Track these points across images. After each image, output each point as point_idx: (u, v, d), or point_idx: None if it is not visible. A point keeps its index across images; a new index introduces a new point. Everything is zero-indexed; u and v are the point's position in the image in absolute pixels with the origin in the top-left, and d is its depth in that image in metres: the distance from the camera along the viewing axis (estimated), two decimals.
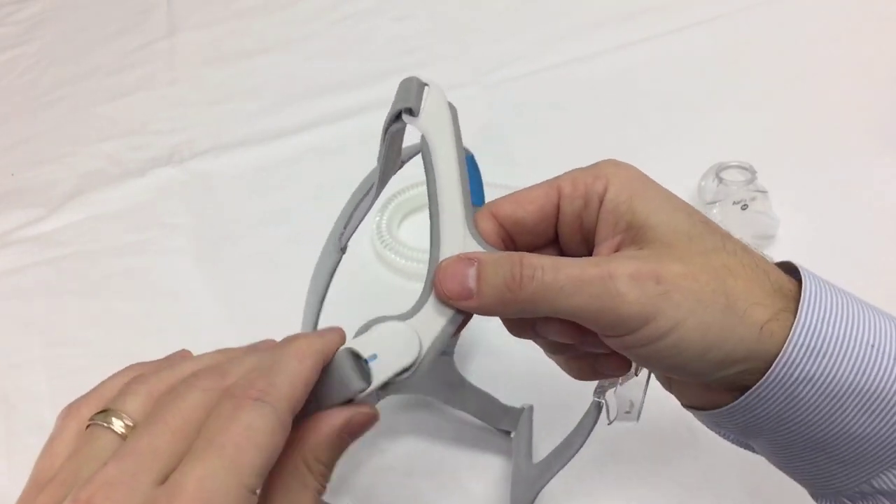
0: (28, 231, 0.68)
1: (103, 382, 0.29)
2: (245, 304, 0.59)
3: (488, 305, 0.28)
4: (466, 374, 0.51)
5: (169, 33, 0.89)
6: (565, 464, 0.39)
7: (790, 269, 0.29)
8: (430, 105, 0.31)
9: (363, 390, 0.26)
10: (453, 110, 0.32)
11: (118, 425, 0.25)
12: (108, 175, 0.72)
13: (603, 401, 0.36)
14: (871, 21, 0.76)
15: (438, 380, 0.49)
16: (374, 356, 0.27)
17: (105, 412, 0.26)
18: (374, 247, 0.60)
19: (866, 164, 0.62)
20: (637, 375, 0.34)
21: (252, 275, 0.61)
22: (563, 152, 0.68)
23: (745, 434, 0.30)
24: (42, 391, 0.55)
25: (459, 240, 0.30)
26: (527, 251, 0.29)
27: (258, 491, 0.23)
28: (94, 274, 0.63)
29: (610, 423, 0.35)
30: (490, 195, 0.37)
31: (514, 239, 0.31)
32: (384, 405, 0.52)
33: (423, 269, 0.61)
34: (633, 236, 0.28)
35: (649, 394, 0.35)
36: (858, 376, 0.26)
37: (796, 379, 0.26)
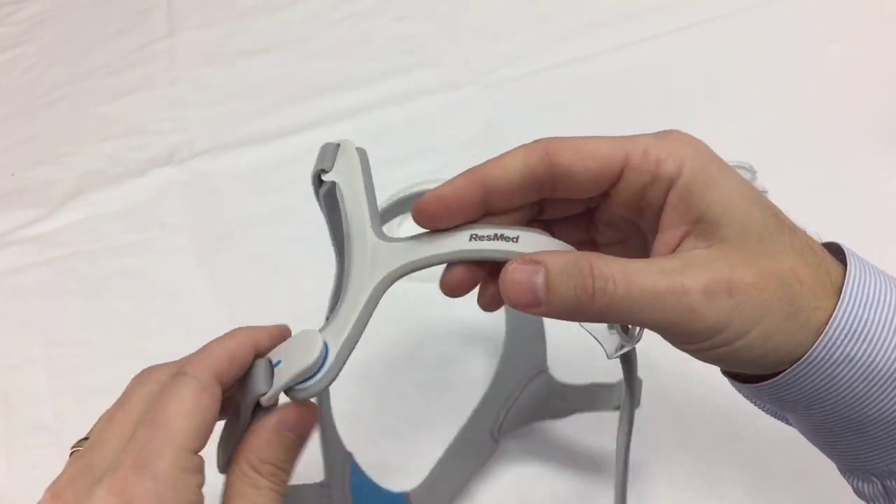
0: (28, 231, 0.68)
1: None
2: (245, 303, 0.59)
3: (557, 314, 0.27)
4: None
5: (169, 33, 0.89)
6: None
7: (836, 250, 0.29)
8: (342, 159, 0.33)
9: (264, 393, 0.28)
10: (363, 155, 0.33)
11: None
12: (108, 175, 0.72)
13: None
14: (871, 21, 0.76)
15: (540, 400, 0.49)
16: (279, 361, 0.28)
17: (85, 438, 0.28)
18: None
19: (866, 164, 0.62)
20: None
21: (252, 275, 0.61)
22: None
23: (781, 408, 0.30)
24: (42, 391, 0.55)
25: (368, 256, 0.30)
26: (560, 206, 0.30)
27: (200, 450, 0.26)
28: (94, 274, 0.63)
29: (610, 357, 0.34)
30: None
31: (552, 185, 0.29)
32: (385, 405, 0.52)
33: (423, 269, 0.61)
34: (703, 230, 0.27)
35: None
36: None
37: (836, 360, 0.26)
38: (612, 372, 0.40)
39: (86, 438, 0.28)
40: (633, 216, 0.29)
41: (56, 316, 0.60)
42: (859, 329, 0.26)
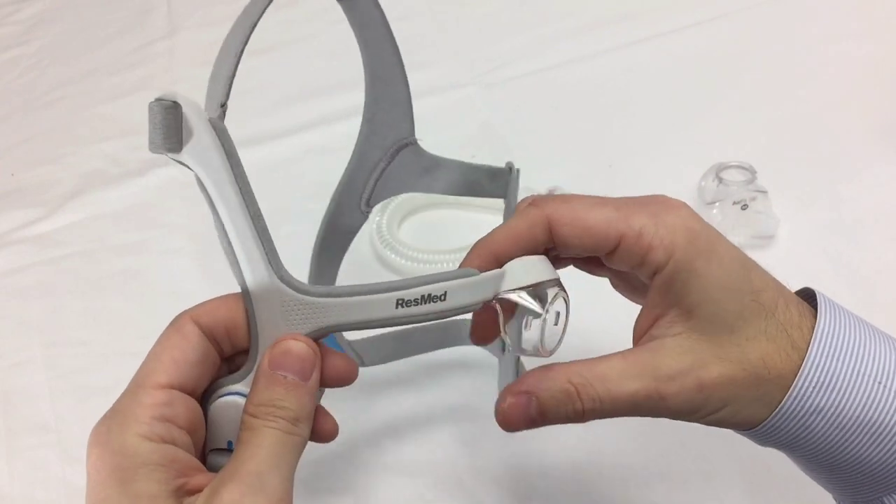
0: (28, 231, 0.67)
1: None
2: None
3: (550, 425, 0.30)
4: None
5: (169, 33, 0.89)
6: None
7: (808, 295, 0.31)
8: (195, 142, 0.29)
9: None
10: (223, 136, 0.30)
11: None
12: (108, 175, 0.72)
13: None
14: (871, 21, 0.76)
15: (412, 173, 0.48)
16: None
17: None
18: (373, 247, 0.60)
19: (867, 164, 0.62)
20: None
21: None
22: (563, 152, 0.68)
23: (764, 446, 0.32)
24: (42, 391, 0.55)
25: (266, 281, 0.29)
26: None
27: (175, 381, 0.28)
28: (94, 274, 0.63)
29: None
30: None
31: (555, 241, 0.31)
32: (385, 404, 0.52)
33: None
34: (679, 315, 0.29)
35: None
36: (865, 410, 0.28)
37: (807, 410, 0.28)
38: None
39: None
40: (626, 281, 0.33)
41: (56, 316, 0.60)
42: (826, 381, 0.28)
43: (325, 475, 0.48)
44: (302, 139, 0.73)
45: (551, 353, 0.32)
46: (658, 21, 0.79)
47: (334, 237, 0.48)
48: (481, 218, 0.62)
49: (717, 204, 0.57)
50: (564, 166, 0.67)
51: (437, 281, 0.29)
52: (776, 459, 0.46)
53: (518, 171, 0.46)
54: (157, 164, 0.72)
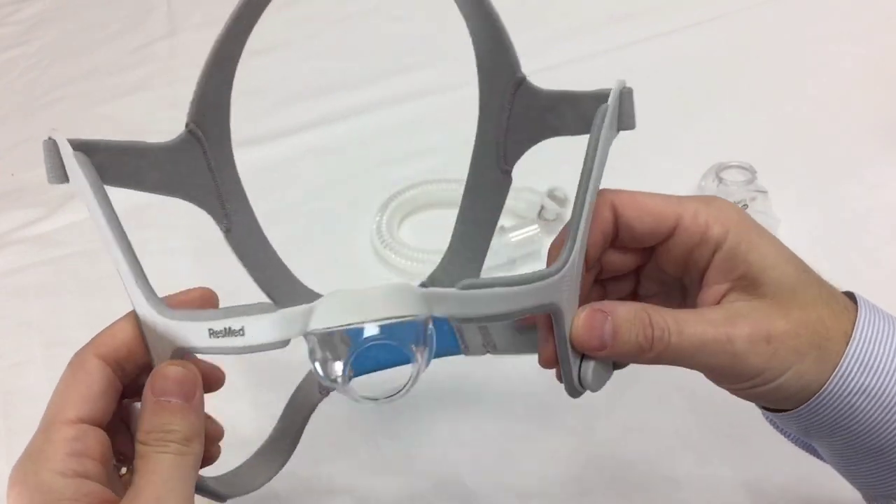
0: (28, 231, 0.67)
1: None
2: (244, 303, 0.59)
3: (618, 357, 0.31)
4: None
5: (169, 33, 0.89)
6: None
7: (851, 297, 0.33)
8: (75, 174, 0.31)
9: None
10: (88, 171, 0.32)
11: None
12: None
13: None
14: (871, 21, 0.76)
15: (535, 117, 0.46)
16: None
17: None
18: (374, 247, 0.60)
19: (867, 164, 0.62)
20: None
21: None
22: (562, 152, 0.68)
23: (807, 436, 0.33)
24: (42, 391, 0.55)
25: (143, 304, 0.30)
26: (615, 264, 0.35)
27: (85, 415, 0.30)
28: (94, 274, 0.63)
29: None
30: None
31: (616, 236, 0.33)
32: (385, 405, 0.52)
33: (423, 269, 0.61)
34: (745, 286, 0.31)
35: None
36: None
37: (851, 390, 0.30)
38: None
39: None
40: (678, 272, 0.34)
41: (56, 316, 0.60)
42: (869, 362, 0.30)
43: (324, 475, 0.48)
44: (302, 139, 0.73)
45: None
46: (658, 21, 0.79)
47: (477, 207, 0.47)
48: None
49: None
50: (564, 166, 0.66)
51: (239, 315, 0.28)
52: (776, 459, 0.46)
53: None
54: None
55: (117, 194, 0.76)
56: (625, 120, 0.36)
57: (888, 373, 0.29)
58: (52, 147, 0.30)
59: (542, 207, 0.60)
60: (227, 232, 0.41)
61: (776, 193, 0.58)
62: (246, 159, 0.73)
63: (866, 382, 0.29)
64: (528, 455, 0.49)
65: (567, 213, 0.61)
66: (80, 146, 0.32)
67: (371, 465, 0.49)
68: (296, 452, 0.43)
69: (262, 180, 0.72)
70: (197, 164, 0.39)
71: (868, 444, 0.31)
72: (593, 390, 0.32)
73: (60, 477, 0.27)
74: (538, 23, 0.81)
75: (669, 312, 0.30)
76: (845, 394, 0.30)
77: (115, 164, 0.36)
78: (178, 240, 0.65)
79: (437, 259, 0.57)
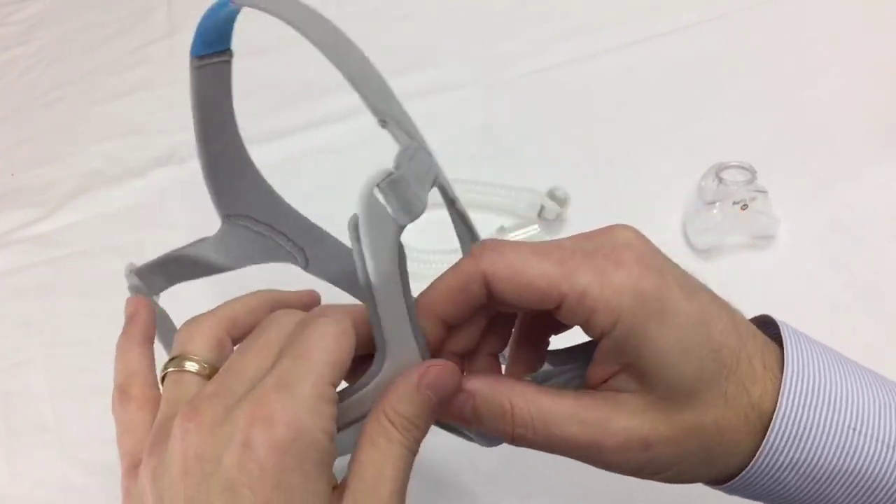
0: (28, 231, 0.67)
1: (130, 365, 0.34)
2: None
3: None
4: None
5: (169, 33, 0.89)
6: None
7: (769, 322, 0.30)
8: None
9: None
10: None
11: (191, 366, 0.29)
12: (108, 175, 0.72)
13: None
14: (871, 21, 0.76)
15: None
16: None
17: (176, 358, 0.29)
18: None
19: (867, 164, 0.62)
20: None
21: (251, 275, 0.61)
22: (563, 152, 0.68)
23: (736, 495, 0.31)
24: (42, 391, 0.55)
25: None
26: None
27: (336, 387, 0.27)
28: (94, 274, 0.63)
29: None
30: (490, 194, 0.37)
31: (493, 298, 0.29)
32: None
33: (424, 269, 0.61)
34: (633, 374, 0.27)
35: None
36: (842, 460, 0.27)
37: (780, 465, 0.27)
38: None
39: (174, 358, 0.29)
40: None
41: (56, 316, 0.60)
42: (799, 433, 0.27)
43: None
44: (302, 139, 0.73)
45: None
46: (658, 21, 0.79)
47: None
48: (482, 218, 0.62)
49: (717, 204, 0.57)
50: (564, 166, 0.67)
51: None
52: None
53: None
54: (157, 164, 0.72)
55: (117, 193, 0.76)
56: (412, 207, 0.28)
57: (818, 442, 0.27)
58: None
59: (542, 207, 0.60)
60: (307, 267, 0.41)
61: (776, 193, 0.58)
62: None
63: (796, 457, 0.27)
64: (529, 455, 0.49)
65: (567, 213, 0.61)
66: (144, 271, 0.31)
67: None
68: None
69: (265, 180, 0.72)
70: (248, 236, 0.41)
71: None
72: (484, 444, 0.31)
73: (328, 437, 0.26)
74: (538, 23, 0.81)
75: (542, 402, 0.28)
76: (773, 469, 0.27)
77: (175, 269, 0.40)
78: (178, 239, 0.65)
79: (437, 259, 0.57)
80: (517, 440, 0.28)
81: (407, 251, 0.29)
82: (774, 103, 0.69)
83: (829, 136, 0.65)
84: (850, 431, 0.27)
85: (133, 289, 0.37)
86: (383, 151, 0.76)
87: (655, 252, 0.28)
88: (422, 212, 0.29)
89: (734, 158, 0.60)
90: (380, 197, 0.27)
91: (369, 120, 0.81)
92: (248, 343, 0.29)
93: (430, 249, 0.58)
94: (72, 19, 0.94)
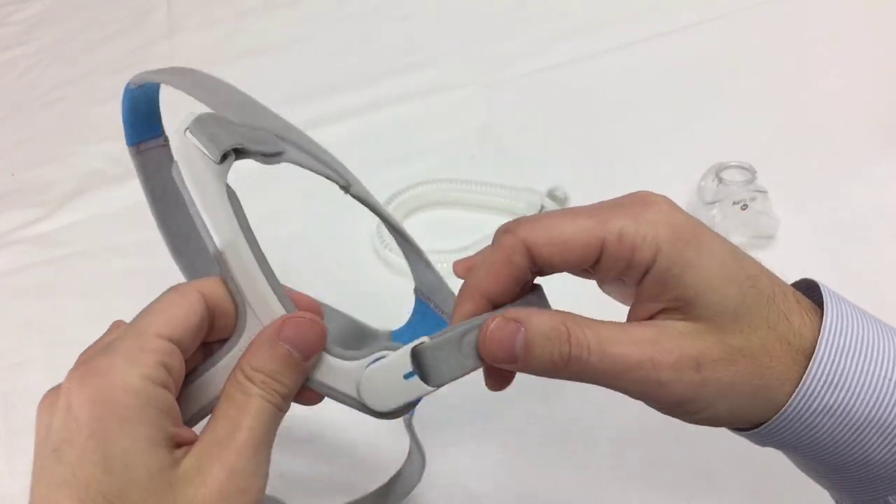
0: (28, 231, 0.67)
1: None
2: None
3: (532, 371, 0.28)
4: None
5: (169, 33, 0.89)
6: None
7: (812, 286, 0.30)
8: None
9: None
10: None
11: None
12: (108, 175, 0.72)
13: None
14: (871, 21, 0.76)
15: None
16: None
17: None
18: (374, 247, 0.60)
19: (867, 164, 0.62)
20: None
21: None
22: (563, 152, 0.68)
23: (762, 445, 0.31)
24: (42, 391, 0.55)
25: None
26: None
27: (175, 343, 0.27)
28: (94, 274, 0.63)
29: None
30: (490, 194, 0.37)
31: (537, 264, 0.29)
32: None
33: None
34: (678, 307, 0.28)
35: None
36: (876, 408, 0.27)
37: (815, 410, 0.27)
38: None
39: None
40: (618, 279, 0.30)
41: (56, 316, 0.60)
42: (835, 380, 0.27)
43: (324, 475, 0.48)
44: None
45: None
46: (658, 21, 0.79)
47: None
48: (482, 218, 0.62)
49: (717, 204, 0.57)
50: (564, 166, 0.67)
51: None
52: (776, 459, 0.46)
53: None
54: None
55: (117, 193, 0.76)
56: (218, 139, 0.30)
57: (854, 390, 0.27)
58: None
59: (542, 207, 0.60)
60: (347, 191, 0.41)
61: (776, 193, 0.58)
62: (245, 159, 0.74)
63: (830, 402, 0.27)
64: (529, 456, 0.49)
65: None
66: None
67: (371, 465, 0.49)
68: (296, 452, 0.43)
69: (263, 180, 0.72)
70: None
71: (835, 461, 0.28)
72: (379, 412, 0.29)
73: (150, 383, 0.26)
74: (538, 23, 0.81)
75: (593, 327, 0.28)
76: (807, 414, 0.27)
77: None
78: None
79: (437, 259, 0.57)
80: (572, 363, 0.27)
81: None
82: (774, 103, 0.69)
83: (829, 136, 0.65)
84: (887, 381, 0.27)
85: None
86: (383, 151, 0.77)
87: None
88: (230, 145, 0.30)
89: (734, 158, 0.60)
90: (189, 136, 0.29)
91: (370, 120, 0.81)
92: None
93: (431, 249, 0.58)
94: (72, 19, 0.94)
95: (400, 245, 0.38)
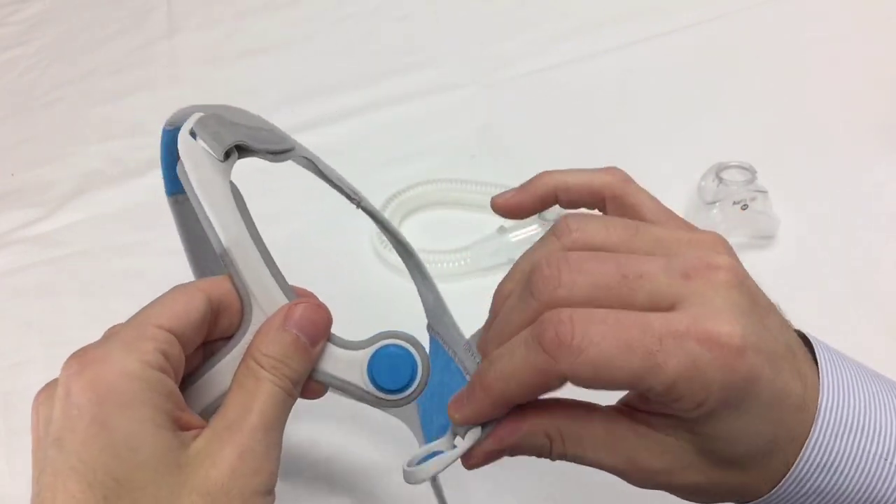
0: (28, 231, 0.67)
1: None
2: None
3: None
4: None
5: (169, 33, 0.89)
6: None
7: (806, 339, 0.29)
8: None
9: None
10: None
11: None
12: (108, 175, 0.72)
13: None
14: (871, 21, 0.76)
15: None
16: None
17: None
18: (374, 247, 0.60)
19: (867, 164, 0.62)
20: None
21: None
22: (563, 152, 0.68)
23: None
24: None
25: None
26: None
27: (176, 335, 0.27)
28: (94, 274, 0.63)
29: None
30: (490, 194, 0.37)
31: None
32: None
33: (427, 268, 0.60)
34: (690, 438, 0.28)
35: None
36: (868, 489, 0.26)
37: (806, 492, 0.27)
38: None
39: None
40: None
41: (56, 316, 0.60)
42: (829, 462, 0.26)
43: (324, 476, 0.48)
44: (302, 139, 0.72)
45: None
46: (658, 21, 0.79)
47: None
48: (482, 218, 0.62)
49: (717, 204, 0.57)
50: (564, 166, 0.66)
51: None
52: None
53: None
54: (156, 164, 0.71)
55: (117, 193, 0.76)
56: (221, 138, 0.30)
57: (846, 471, 0.26)
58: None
59: None
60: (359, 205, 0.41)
61: (776, 193, 0.58)
62: (245, 159, 0.74)
63: (822, 483, 0.26)
64: (530, 458, 0.49)
65: (567, 213, 0.61)
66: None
67: (371, 465, 0.49)
68: (296, 453, 0.43)
69: (263, 180, 0.72)
70: None
71: None
72: (381, 399, 0.31)
73: (149, 368, 0.26)
74: (538, 23, 0.81)
75: (576, 432, 0.28)
76: (799, 495, 0.27)
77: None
78: (178, 240, 0.65)
79: (437, 259, 0.57)
80: (556, 459, 0.29)
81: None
82: (774, 103, 0.69)
83: (829, 136, 0.65)
84: (881, 461, 0.26)
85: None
86: (383, 151, 0.77)
87: (746, 291, 0.26)
88: (233, 142, 0.30)
89: (734, 158, 0.60)
90: (191, 137, 0.30)
91: (369, 120, 0.81)
92: None
93: (431, 249, 0.58)
94: (72, 19, 0.94)
95: (404, 261, 0.38)
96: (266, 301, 0.29)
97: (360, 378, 0.30)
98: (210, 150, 0.30)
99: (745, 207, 0.56)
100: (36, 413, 0.27)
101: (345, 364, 0.29)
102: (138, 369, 0.26)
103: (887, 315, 0.52)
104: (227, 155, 0.30)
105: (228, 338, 0.30)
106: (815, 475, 0.26)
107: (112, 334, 0.27)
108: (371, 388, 0.30)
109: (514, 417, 0.29)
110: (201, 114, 0.31)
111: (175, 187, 0.39)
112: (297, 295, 0.30)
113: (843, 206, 0.60)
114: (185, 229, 0.41)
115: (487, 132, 0.71)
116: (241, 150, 0.31)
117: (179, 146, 0.29)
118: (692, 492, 0.28)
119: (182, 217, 0.41)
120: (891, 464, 0.26)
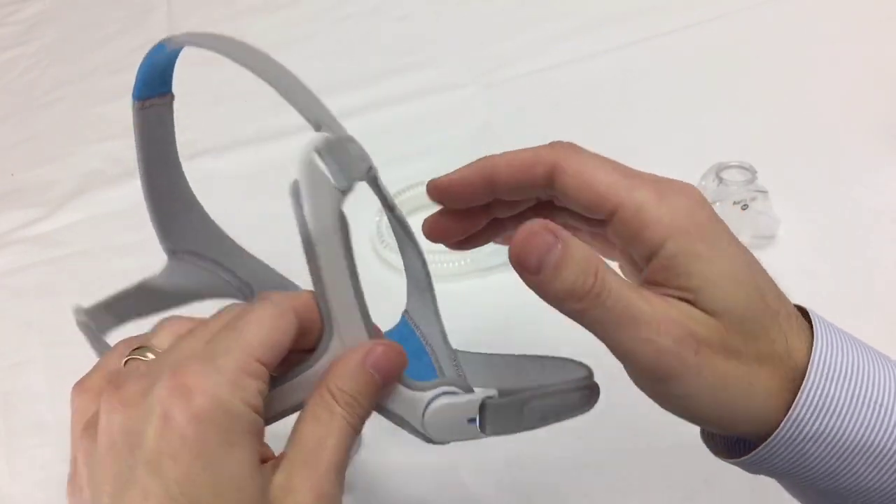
0: (28, 231, 0.67)
1: (101, 360, 0.33)
2: None
3: (545, 291, 0.27)
4: None
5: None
6: None
7: (802, 311, 0.30)
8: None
9: None
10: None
11: (151, 355, 0.29)
12: (108, 175, 0.72)
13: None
14: (871, 21, 0.76)
15: None
16: None
17: (141, 348, 0.30)
18: (374, 247, 0.60)
19: (867, 164, 0.62)
20: None
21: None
22: None
23: (751, 472, 0.30)
24: (42, 391, 0.55)
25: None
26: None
27: (269, 366, 0.27)
28: (94, 274, 0.63)
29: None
30: None
31: (555, 187, 0.30)
32: None
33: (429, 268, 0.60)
34: (687, 298, 0.27)
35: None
36: (865, 435, 0.27)
37: (805, 437, 0.27)
38: None
39: (139, 347, 0.30)
40: (627, 254, 0.30)
41: (56, 316, 0.60)
42: (826, 405, 0.27)
43: None
44: (302, 139, 0.73)
45: None
46: (658, 21, 0.79)
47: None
48: None
49: (717, 204, 0.57)
50: None
51: None
52: None
53: None
54: None
55: (117, 193, 0.76)
56: (350, 171, 0.30)
57: (845, 417, 0.27)
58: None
59: None
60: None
61: (776, 193, 0.58)
62: (245, 160, 0.74)
63: (821, 428, 0.27)
64: (529, 456, 0.49)
65: None
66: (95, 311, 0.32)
67: (370, 465, 0.49)
68: None
69: (263, 181, 0.72)
70: (194, 271, 0.43)
71: (826, 489, 0.28)
72: (436, 440, 0.31)
73: (250, 409, 0.26)
74: (538, 23, 0.81)
75: (618, 278, 0.27)
76: (797, 441, 0.27)
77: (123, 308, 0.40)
78: None
79: (437, 259, 0.57)
80: (590, 298, 0.26)
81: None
82: (774, 103, 0.69)
83: (829, 136, 0.65)
84: (877, 407, 0.27)
85: (81, 326, 0.39)
86: (383, 151, 0.76)
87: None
88: (359, 178, 0.30)
89: (734, 158, 0.60)
90: (318, 160, 0.29)
91: (370, 120, 0.81)
92: (193, 328, 0.29)
93: (431, 249, 0.58)
94: (72, 19, 0.94)
95: (397, 236, 0.38)
96: (348, 332, 0.29)
97: (417, 419, 0.30)
98: (333, 181, 0.29)
99: (745, 207, 0.56)
100: (108, 416, 0.27)
101: (406, 404, 0.30)
102: (244, 412, 0.26)
103: (887, 315, 0.52)
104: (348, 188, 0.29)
105: (298, 351, 0.30)
106: (813, 419, 0.27)
107: (217, 355, 0.26)
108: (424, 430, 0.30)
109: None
110: (328, 134, 0.30)
111: (148, 92, 0.38)
112: (374, 331, 0.30)
113: (843, 207, 0.60)
114: (144, 140, 0.39)
115: (487, 132, 0.71)
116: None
117: (301, 165, 0.29)
118: (711, 378, 0.27)
119: (146, 126, 0.39)
120: (886, 411, 0.27)
